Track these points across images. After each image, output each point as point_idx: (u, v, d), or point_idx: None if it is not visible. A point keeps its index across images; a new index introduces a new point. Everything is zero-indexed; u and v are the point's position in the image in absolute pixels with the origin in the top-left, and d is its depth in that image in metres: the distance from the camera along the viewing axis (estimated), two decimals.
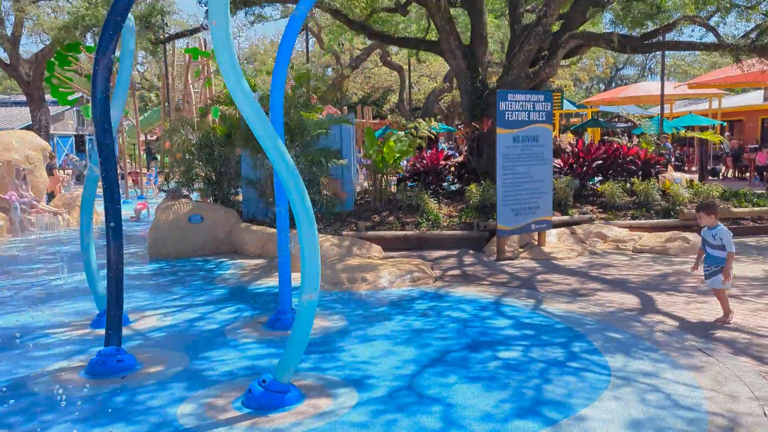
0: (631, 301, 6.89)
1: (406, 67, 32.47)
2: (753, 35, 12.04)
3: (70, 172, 28.24)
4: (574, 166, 12.35)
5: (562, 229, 10.24)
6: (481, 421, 3.97)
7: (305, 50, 30.13)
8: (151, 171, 25.75)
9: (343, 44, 31.48)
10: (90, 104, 18.00)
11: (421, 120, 13.37)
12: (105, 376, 4.83)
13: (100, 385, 4.67)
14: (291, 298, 6.26)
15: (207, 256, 10.24)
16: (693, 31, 51.83)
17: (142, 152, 25.45)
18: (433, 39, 14.95)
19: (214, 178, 12.04)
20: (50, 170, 18.79)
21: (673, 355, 5.11)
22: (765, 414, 4.01)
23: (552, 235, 10.01)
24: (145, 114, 31.82)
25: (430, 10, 12.72)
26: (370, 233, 9.96)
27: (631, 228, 10.56)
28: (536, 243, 9.76)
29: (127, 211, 14.92)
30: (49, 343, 5.78)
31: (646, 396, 4.32)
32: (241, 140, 11.16)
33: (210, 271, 9.07)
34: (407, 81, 31.92)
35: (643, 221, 10.82)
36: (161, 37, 15.96)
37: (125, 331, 6.12)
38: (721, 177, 21.92)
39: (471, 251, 9.84)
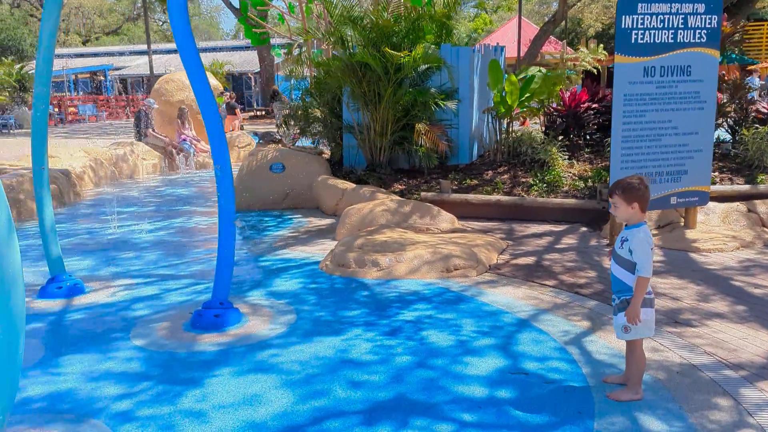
0: (760, 347, 4.04)
1: None
2: None
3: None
4: None
5: (736, 204, 6.98)
6: None
7: None
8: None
9: None
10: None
11: (582, 49, 10.49)
12: None
13: None
14: (228, 288, 4.73)
15: (285, 210, 9.12)
16: None
17: None
18: None
19: (330, 121, 10.73)
20: (232, 109, 19.26)
21: None
22: None
23: (715, 213, 6.88)
24: None
25: None
26: (455, 196, 7.82)
27: None
28: (682, 223, 6.78)
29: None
30: None
31: None
32: (334, 78, 9.61)
33: (261, 230, 7.87)
34: None
35: None
36: None
37: (49, 306, 5.11)
38: None
39: (584, 228, 7.19)
